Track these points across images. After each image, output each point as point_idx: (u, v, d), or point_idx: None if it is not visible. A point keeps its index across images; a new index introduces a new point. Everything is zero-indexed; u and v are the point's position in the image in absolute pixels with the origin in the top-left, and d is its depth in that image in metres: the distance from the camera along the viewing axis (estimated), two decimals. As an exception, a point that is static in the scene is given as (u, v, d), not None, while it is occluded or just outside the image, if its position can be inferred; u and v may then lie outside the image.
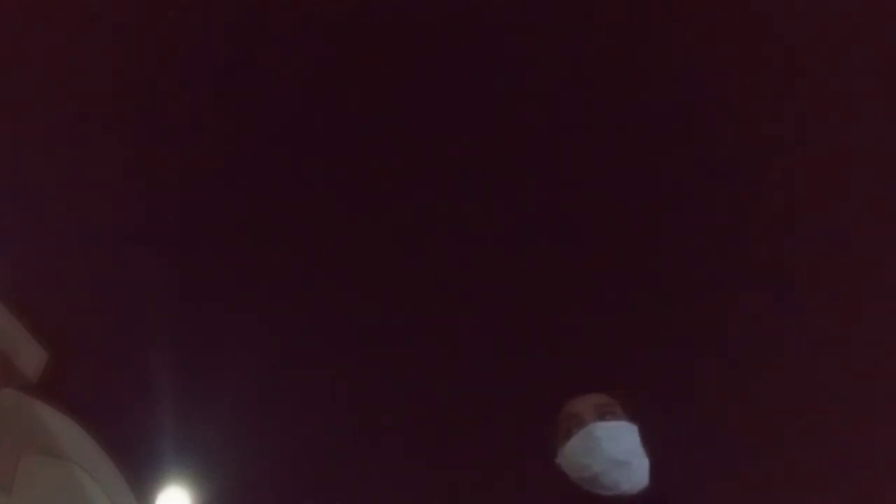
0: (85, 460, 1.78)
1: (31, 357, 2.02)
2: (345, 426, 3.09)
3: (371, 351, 2.66)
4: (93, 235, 2.59)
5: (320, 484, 3.18)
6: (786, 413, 3.20)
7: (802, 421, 3.13)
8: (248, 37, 2.42)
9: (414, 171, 2.65)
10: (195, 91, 2.48)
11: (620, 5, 2.58)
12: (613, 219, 3.13)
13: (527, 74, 2.70)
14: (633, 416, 1.29)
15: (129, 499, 2.17)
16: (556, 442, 1.29)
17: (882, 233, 2.94)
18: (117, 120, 2.47)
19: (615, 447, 1.23)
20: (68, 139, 2.45)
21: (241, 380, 2.90)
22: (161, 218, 2.68)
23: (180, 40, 2.37)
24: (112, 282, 2.65)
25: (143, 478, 2.77)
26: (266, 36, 2.43)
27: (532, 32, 2.54)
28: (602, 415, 1.27)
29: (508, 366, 3.28)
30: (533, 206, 3.21)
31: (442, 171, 2.59)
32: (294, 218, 2.77)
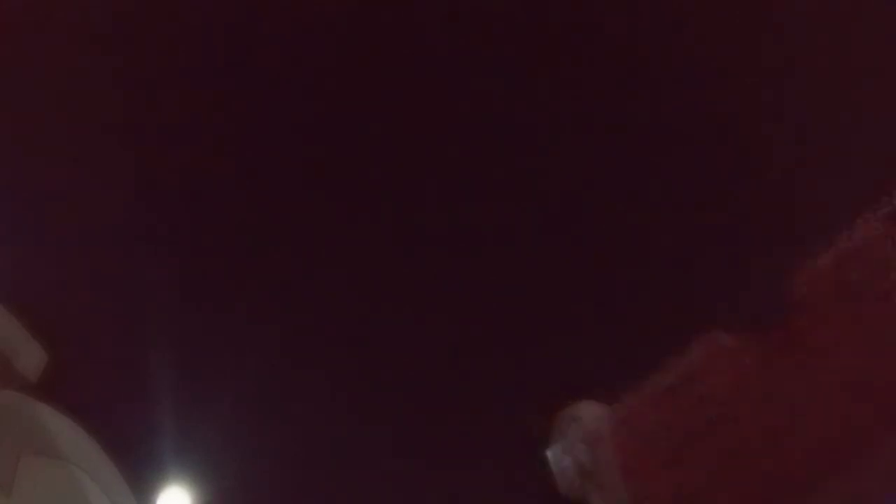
0: (85, 460, 1.78)
1: (31, 357, 2.01)
2: (345, 426, 3.09)
3: (372, 351, 2.66)
4: (93, 236, 2.59)
5: (320, 484, 3.18)
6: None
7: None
8: (249, 37, 2.42)
9: (415, 172, 2.65)
10: (196, 91, 2.48)
11: (621, 5, 2.57)
12: (613, 219, 3.13)
13: (526, 75, 2.70)
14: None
15: (129, 499, 2.17)
16: (551, 443, 1.30)
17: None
18: (118, 120, 2.47)
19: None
20: (69, 140, 2.45)
21: (242, 380, 2.89)
22: (162, 218, 2.68)
23: (180, 40, 2.37)
24: (112, 282, 2.65)
25: (143, 478, 2.77)
26: (266, 36, 2.43)
27: (533, 32, 2.54)
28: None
29: (509, 366, 3.28)
30: (532, 206, 3.20)
31: (443, 171, 2.58)
32: (295, 218, 2.77)
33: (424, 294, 3.14)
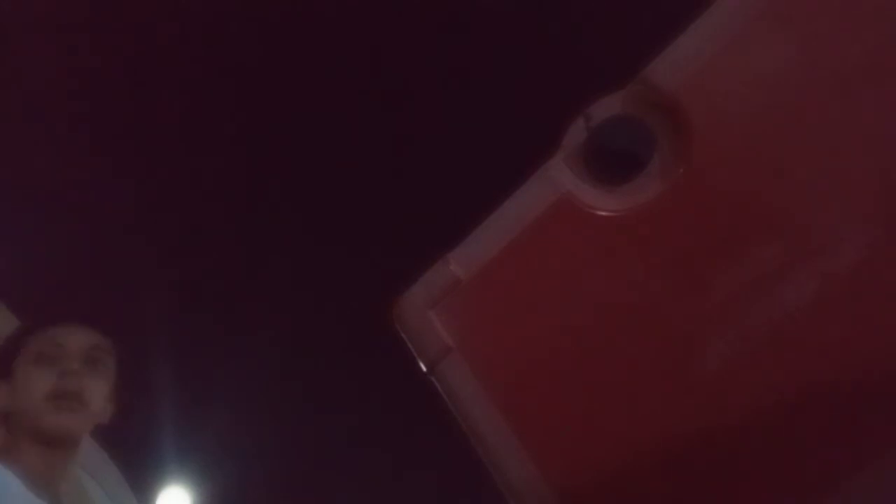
0: (85, 460, 1.78)
1: (32, 357, 2.02)
2: (346, 426, 3.08)
3: (373, 351, 2.66)
4: (94, 235, 2.58)
5: (321, 484, 3.18)
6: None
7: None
8: (249, 37, 2.41)
9: (414, 174, 2.65)
10: (199, 90, 2.48)
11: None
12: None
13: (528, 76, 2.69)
14: None
15: (129, 499, 2.17)
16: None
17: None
18: (118, 120, 2.46)
19: None
20: (69, 139, 2.45)
21: (242, 380, 2.89)
22: (162, 218, 2.67)
23: (180, 39, 2.36)
24: (112, 282, 2.64)
25: (143, 478, 2.76)
26: (267, 36, 2.42)
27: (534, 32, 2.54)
28: None
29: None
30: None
31: (444, 173, 2.58)
32: (296, 220, 2.77)
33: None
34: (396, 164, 2.71)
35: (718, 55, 0.92)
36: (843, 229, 0.85)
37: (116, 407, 1.51)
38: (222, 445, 3.00)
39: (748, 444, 0.84)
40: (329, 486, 3.19)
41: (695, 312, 0.89)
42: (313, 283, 2.85)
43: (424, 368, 1.05)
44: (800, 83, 0.89)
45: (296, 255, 2.78)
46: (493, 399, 0.96)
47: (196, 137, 2.59)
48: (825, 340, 0.84)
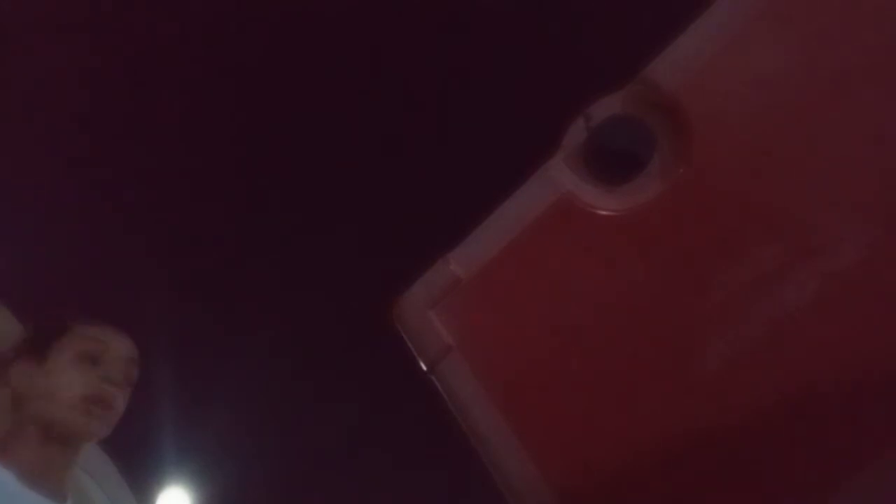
0: (85, 460, 1.78)
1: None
2: (345, 427, 3.08)
3: (373, 351, 2.65)
4: (94, 236, 2.58)
5: (321, 484, 3.17)
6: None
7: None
8: (249, 37, 2.41)
9: (414, 174, 2.65)
10: (198, 91, 2.48)
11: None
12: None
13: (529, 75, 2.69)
14: None
15: (129, 499, 2.16)
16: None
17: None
18: (118, 120, 2.46)
19: None
20: (68, 140, 2.44)
21: (242, 380, 2.88)
22: (162, 219, 2.67)
23: (180, 39, 2.36)
24: (113, 282, 2.64)
25: (143, 478, 2.76)
26: (267, 36, 2.42)
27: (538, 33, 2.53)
28: None
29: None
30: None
31: (444, 173, 2.58)
32: (296, 220, 2.76)
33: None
34: (396, 164, 2.71)
35: (718, 55, 0.92)
36: (843, 229, 0.85)
37: None
38: (222, 445, 2.99)
39: (748, 444, 0.84)
40: (329, 486, 3.18)
41: (695, 312, 0.89)
42: (313, 283, 2.84)
43: (424, 368, 1.04)
44: (800, 83, 0.88)
45: (296, 256, 2.78)
46: (493, 399, 0.96)
47: (196, 137, 2.59)
48: (825, 340, 0.83)
